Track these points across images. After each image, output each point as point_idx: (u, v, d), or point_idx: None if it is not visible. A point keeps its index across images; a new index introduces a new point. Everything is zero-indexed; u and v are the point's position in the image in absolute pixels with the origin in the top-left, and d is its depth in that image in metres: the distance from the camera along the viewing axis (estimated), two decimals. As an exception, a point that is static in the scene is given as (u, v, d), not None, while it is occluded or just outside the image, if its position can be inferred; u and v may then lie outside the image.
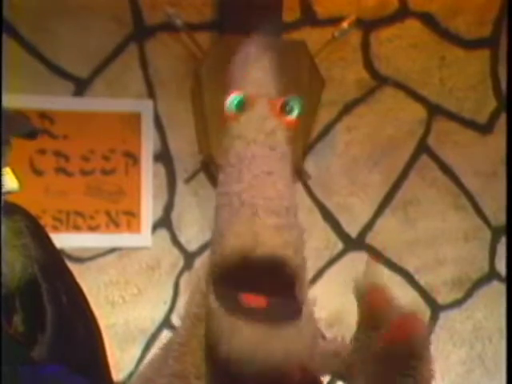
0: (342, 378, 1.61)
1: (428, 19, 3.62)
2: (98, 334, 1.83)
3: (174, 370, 1.49)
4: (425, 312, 3.67)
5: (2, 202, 1.63)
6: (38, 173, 3.28)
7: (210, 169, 3.44)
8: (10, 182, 1.63)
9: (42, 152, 3.28)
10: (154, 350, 1.60)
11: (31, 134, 1.64)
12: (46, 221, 3.19)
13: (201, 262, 1.50)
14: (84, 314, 1.82)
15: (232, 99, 1.49)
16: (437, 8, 3.63)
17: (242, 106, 1.48)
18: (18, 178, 1.65)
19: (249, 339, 1.36)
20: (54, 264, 1.79)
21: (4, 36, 3.21)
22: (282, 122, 1.49)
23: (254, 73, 1.50)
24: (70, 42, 3.30)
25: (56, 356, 1.67)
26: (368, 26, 3.57)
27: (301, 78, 3.33)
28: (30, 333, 1.67)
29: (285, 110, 1.51)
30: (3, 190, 1.62)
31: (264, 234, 1.38)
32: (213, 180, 3.43)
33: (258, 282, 1.38)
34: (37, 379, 1.54)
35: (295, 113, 1.51)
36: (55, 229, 3.21)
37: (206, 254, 3.33)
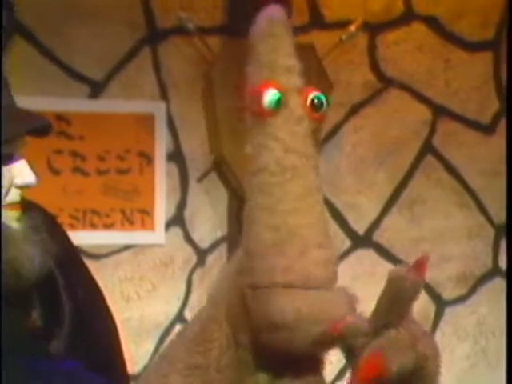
0: (351, 354, 1.57)
1: (433, 23, 3.62)
2: (113, 328, 1.81)
3: (197, 363, 1.46)
4: (430, 307, 3.66)
5: (20, 198, 1.60)
6: (55, 172, 3.27)
7: (221, 168, 3.43)
8: (27, 176, 1.59)
9: (59, 152, 3.27)
10: (167, 344, 1.57)
11: (45, 129, 1.61)
12: (63, 219, 3.18)
13: (234, 267, 1.44)
14: (100, 308, 1.79)
15: (271, 95, 1.36)
16: (442, 12, 3.62)
17: (280, 104, 1.37)
18: (35, 173, 1.61)
19: (313, 300, 1.33)
20: (71, 260, 1.76)
21: (21, 40, 3.22)
22: (312, 120, 1.39)
23: (284, 58, 1.38)
24: (85, 45, 3.30)
25: (73, 350, 1.64)
26: (375, 29, 3.56)
27: (309, 80, 3.30)
28: (47, 327, 1.64)
29: (314, 105, 1.40)
30: (20, 182, 1.59)
31: (315, 270, 1.34)
32: (224, 179, 3.41)
33: None
34: (54, 374, 1.51)
35: (324, 108, 1.41)
36: (72, 227, 3.20)
37: (219, 251, 3.26)
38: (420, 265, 1.38)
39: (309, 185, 1.36)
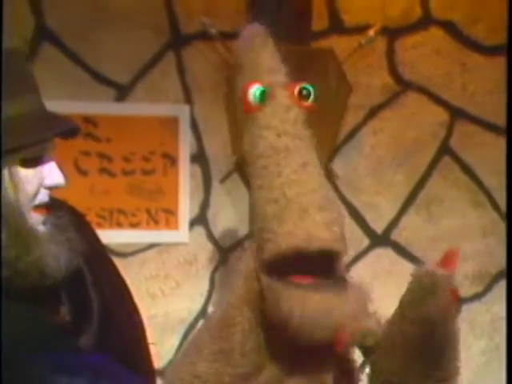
0: (366, 352, 1.59)
1: (450, 27, 3.60)
2: (140, 324, 1.83)
3: (221, 348, 1.48)
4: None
5: (49, 198, 1.62)
6: (82, 173, 3.29)
7: (243, 169, 3.43)
8: (56, 177, 1.62)
9: (87, 154, 3.29)
10: (194, 332, 1.59)
11: (73, 131, 1.63)
12: (90, 218, 3.20)
13: (249, 252, 1.47)
14: (127, 305, 1.82)
15: (254, 90, 1.45)
16: (458, 17, 3.61)
17: (264, 96, 1.45)
18: (64, 174, 1.64)
19: (320, 306, 1.36)
20: (99, 257, 1.79)
21: (50, 46, 3.25)
22: (301, 108, 1.46)
23: (265, 61, 1.46)
24: (111, 50, 3.32)
25: (101, 345, 1.67)
26: (393, 33, 3.55)
27: (329, 83, 3.31)
28: (76, 323, 1.67)
29: (302, 95, 1.47)
30: (49, 183, 1.62)
31: (316, 231, 1.37)
32: (246, 180, 3.43)
33: (306, 266, 1.38)
34: (83, 367, 1.54)
35: (312, 97, 1.48)
36: (99, 226, 3.22)
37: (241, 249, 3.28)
38: (450, 258, 1.41)
39: (304, 160, 1.41)
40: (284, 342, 1.44)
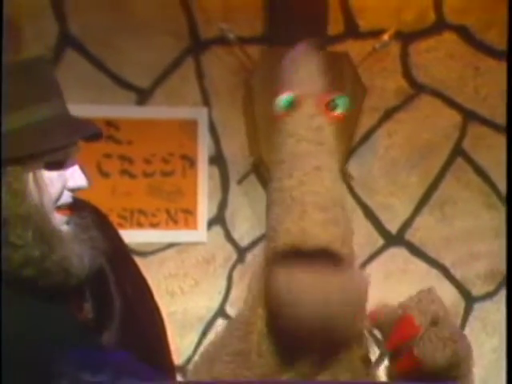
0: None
1: (463, 32, 3.60)
2: (160, 321, 1.84)
3: (238, 348, 1.49)
4: (460, 304, 3.66)
5: (72, 199, 1.65)
6: (104, 175, 3.32)
7: (260, 170, 3.45)
8: (79, 179, 1.64)
9: (109, 156, 3.32)
10: (217, 330, 1.60)
11: (96, 136, 1.66)
12: (112, 218, 3.14)
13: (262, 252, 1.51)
14: (148, 302, 1.82)
15: (282, 99, 1.49)
16: (471, 21, 3.60)
17: (291, 104, 1.49)
18: (86, 176, 1.66)
19: (306, 280, 1.38)
20: (121, 256, 1.80)
21: (73, 52, 3.27)
22: (329, 118, 1.49)
23: (302, 74, 1.51)
24: (132, 56, 3.33)
25: (123, 342, 1.68)
26: (407, 38, 3.55)
27: (344, 86, 3.32)
28: (99, 320, 1.68)
29: (330, 106, 1.51)
30: (73, 185, 1.64)
31: (312, 229, 1.39)
32: (263, 181, 3.44)
33: (307, 267, 1.40)
34: (105, 364, 1.55)
35: (340, 109, 1.51)
36: (120, 226, 3.21)
37: (259, 248, 3.31)
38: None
39: (318, 164, 1.44)
40: (298, 342, 1.45)
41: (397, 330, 1.46)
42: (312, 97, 1.49)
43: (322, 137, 1.48)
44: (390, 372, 1.55)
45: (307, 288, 1.39)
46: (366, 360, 1.59)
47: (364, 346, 1.57)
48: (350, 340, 1.50)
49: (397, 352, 1.49)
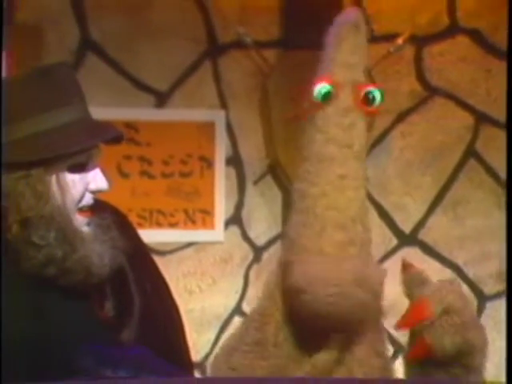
0: None
1: (476, 35, 3.60)
2: (178, 318, 1.85)
3: (255, 339, 1.50)
4: (472, 302, 3.66)
5: (93, 200, 1.67)
6: (124, 176, 3.33)
7: (276, 172, 3.46)
8: (100, 182, 1.66)
9: (128, 158, 3.34)
10: (237, 322, 1.61)
11: (117, 138, 1.68)
12: (131, 219, 3.14)
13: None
14: (166, 300, 1.84)
15: (320, 88, 1.42)
16: (484, 25, 3.60)
17: (328, 96, 1.42)
18: (107, 178, 1.68)
19: (320, 265, 1.37)
20: (140, 256, 1.82)
21: (94, 56, 3.30)
22: (364, 111, 1.43)
23: (343, 55, 1.42)
24: (151, 59, 3.36)
25: (142, 339, 1.70)
26: (421, 41, 3.56)
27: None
28: (119, 317, 1.70)
29: (367, 99, 1.44)
30: (94, 187, 1.66)
31: (328, 249, 1.37)
32: (279, 182, 3.45)
33: None
34: (125, 360, 1.58)
35: (376, 103, 1.45)
36: (140, 226, 3.23)
37: (274, 247, 3.31)
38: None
39: (343, 172, 1.41)
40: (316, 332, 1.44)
41: (410, 311, 1.47)
42: (350, 87, 1.42)
43: (352, 137, 1.43)
44: (405, 362, 1.55)
45: (322, 273, 1.37)
46: (382, 356, 1.59)
47: (379, 342, 1.57)
48: (366, 331, 1.50)
49: (410, 340, 1.49)
